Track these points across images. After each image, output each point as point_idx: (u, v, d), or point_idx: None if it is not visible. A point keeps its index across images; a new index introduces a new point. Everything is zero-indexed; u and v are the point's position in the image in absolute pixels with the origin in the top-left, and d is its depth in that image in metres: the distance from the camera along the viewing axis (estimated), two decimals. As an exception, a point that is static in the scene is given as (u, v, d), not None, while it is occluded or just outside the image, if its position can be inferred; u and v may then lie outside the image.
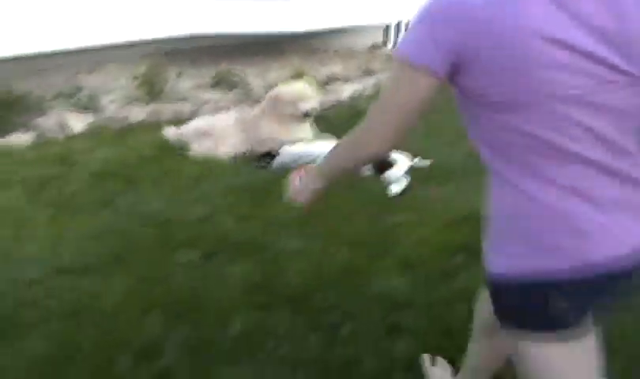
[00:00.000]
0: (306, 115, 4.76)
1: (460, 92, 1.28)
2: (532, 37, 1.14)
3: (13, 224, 3.47)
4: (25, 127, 4.98)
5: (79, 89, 5.86)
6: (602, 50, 1.16)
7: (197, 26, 6.79)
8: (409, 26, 1.27)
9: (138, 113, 5.49)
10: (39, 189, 3.95)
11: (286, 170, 4.13)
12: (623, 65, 1.18)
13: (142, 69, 6.10)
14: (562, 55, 1.15)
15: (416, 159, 4.35)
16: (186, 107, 5.66)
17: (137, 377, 2.21)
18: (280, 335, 2.46)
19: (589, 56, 1.16)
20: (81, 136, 5.08)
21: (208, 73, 6.90)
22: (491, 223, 1.36)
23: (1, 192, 3.93)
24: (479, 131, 1.31)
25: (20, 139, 4.83)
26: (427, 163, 4.39)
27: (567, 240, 1.24)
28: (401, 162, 4.18)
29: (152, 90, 5.90)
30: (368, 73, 7.62)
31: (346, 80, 7.16)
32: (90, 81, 6.54)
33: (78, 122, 5.20)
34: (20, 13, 5.76)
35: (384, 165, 4.11)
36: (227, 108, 5.62)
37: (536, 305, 1.29)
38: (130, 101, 5.84)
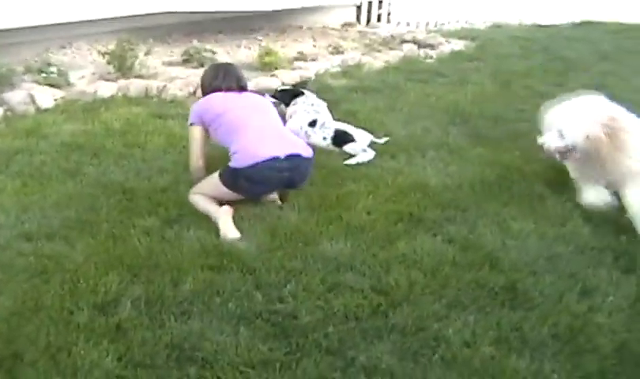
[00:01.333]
0: None
1: (209, 128, 3.67)
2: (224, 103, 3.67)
3: (-19, 194, 3.58)
4: (-5, 101, 5.05)
5: (49, 65, 5.94)
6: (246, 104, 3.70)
7: (168, 3, 6.89)
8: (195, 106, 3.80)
9: (107, 89, 5.61)
10: (8, 160, 4.07)
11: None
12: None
13: (112, 45, 6.20)
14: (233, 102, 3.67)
15: (382, 138, 4.56)
16: (154, 84, 5.79)
17: (93, 329, 2.41)
18: (227, 293, 2.68)
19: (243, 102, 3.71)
20: (51, 110, 5.16)
21: (177, 49, 7.03)
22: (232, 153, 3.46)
23: (-30, 163, 4.04)
24: (219, 136, 3.61)
25: (-11, 112, 4.91)
26: (385, 139, 4.59)
27: (243, 159, 3.35)
28: (361, 137, 4.40)
29: (121, 66, 6.01)
30: (337, 51, 7.78)
31: (314, 58, 7.31)
32: (60, 57, 6.65)
33: (48, 97, 5.30)
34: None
35: (344, 139, 4.36)
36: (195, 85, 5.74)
37: (234, 182, 3.38)
38: (100, 77, 5.96)
